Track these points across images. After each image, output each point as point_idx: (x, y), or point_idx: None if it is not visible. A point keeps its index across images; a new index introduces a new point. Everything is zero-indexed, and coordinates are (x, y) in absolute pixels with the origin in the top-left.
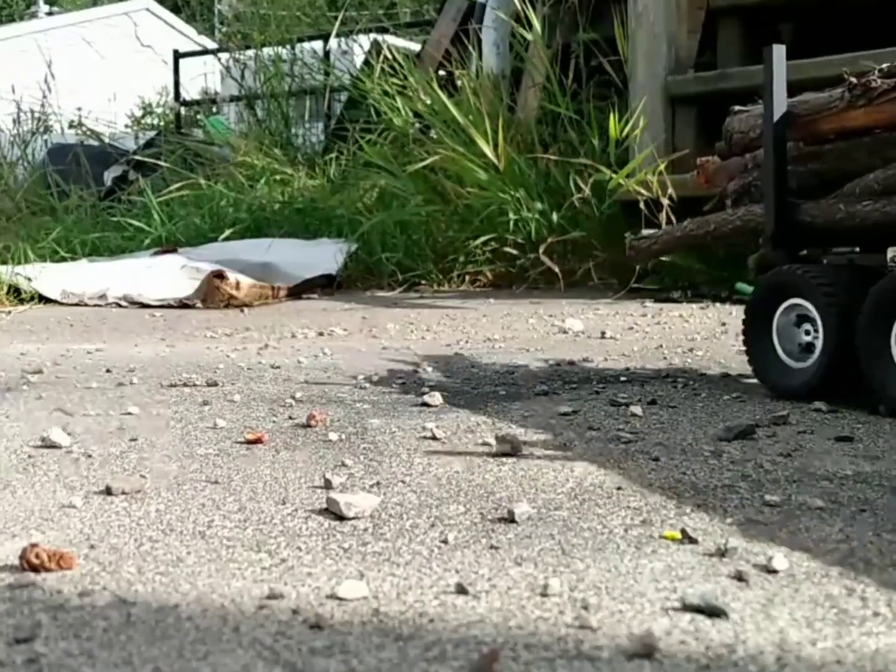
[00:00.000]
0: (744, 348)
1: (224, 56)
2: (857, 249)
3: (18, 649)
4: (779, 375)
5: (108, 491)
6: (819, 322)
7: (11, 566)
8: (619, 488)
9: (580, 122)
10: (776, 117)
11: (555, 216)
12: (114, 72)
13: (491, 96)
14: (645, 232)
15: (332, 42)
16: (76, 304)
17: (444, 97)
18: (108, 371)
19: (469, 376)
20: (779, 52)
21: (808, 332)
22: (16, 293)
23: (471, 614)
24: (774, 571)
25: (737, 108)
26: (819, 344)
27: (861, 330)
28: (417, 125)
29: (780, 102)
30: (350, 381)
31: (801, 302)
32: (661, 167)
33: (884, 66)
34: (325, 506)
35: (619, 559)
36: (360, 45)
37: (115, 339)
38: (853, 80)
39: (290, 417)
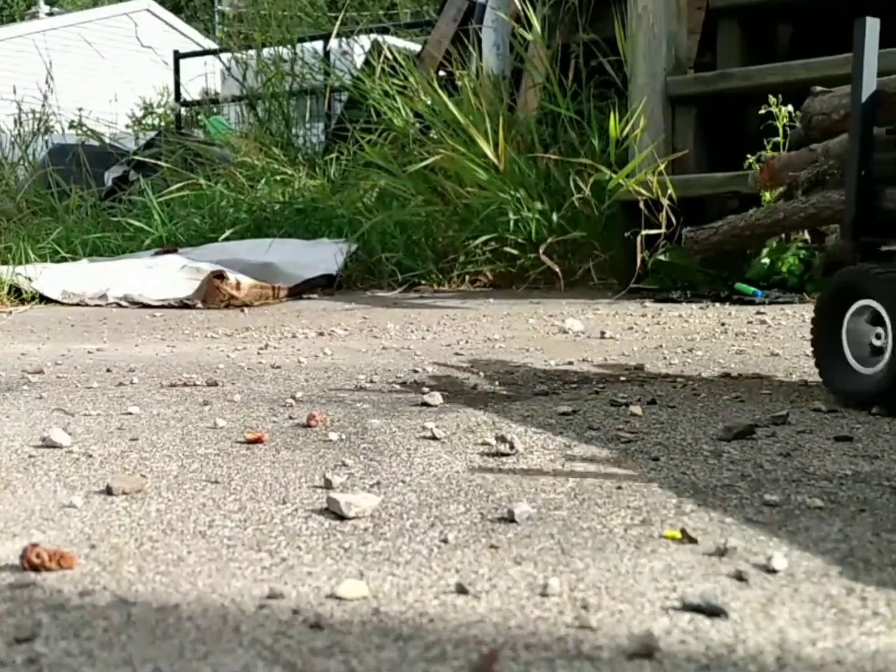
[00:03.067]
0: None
1: (225, 56)
2: None
3: (18, 649)
4: (842, 378)
5: (108, 490)
6: (889, 324)
7: (12, 566)
8: (619, 488)
9: (580, 122)
10: (864, 97)
11: (555, 216)
12: (114, 72)
13: (491, 96)
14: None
15: (333, 42)
16: (77, 305)
17: (444, 97)
18: (108, 371)
19: (469, 376)
20: (872, 25)
21: (878, 336)
22: (16, 293)
23: (471, 614)
24: (774, 571)
25: (818, 88)
26: (888, 348)
27: None
28: (417, 125)
29: (871, 80)
30: (350, 381)
31: (871, 304)
32: (661, 167)
33: None
34: (325, 505)
35: (619, 559)
36: (361, 46)
37: (115, 339)
38: None
39: (291, 417)
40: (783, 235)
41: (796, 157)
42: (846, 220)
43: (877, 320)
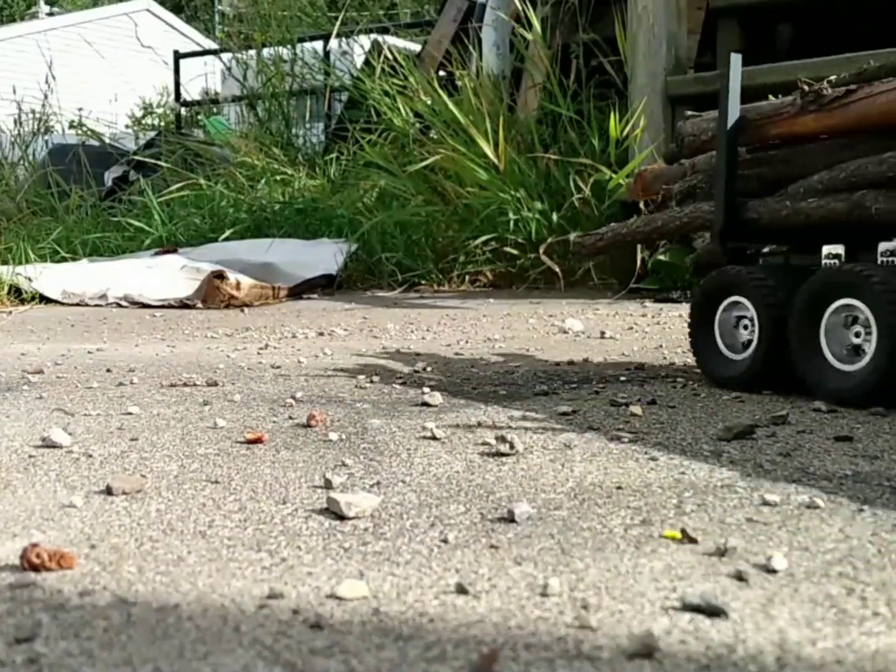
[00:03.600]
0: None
1: (225, 56)
2: (783, 249)
3: (18, 649)
4: (717, 366)
5: (108, 490)
6: (755, 318)
7: (12, 566)
8: (619, 488)
9: (580, 122)
10: (730, 122)
11: (555, 216)
12: (114, 72)
13: (491, 96)
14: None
15: (333, 42)
16: (77, 305)
17: (445, 97)
18: (108, 371)
19: (469, 376)
20: (735, 60)
21: (745, 328)
22: (17, 293)
23: (471, 614)
24: (774, 571)
25: (689, 112)
26: (754, 339)
27: (794, 321)
28: (417, 125)
29: (735, 108)
30: (350, 381)
31: (740, 300)
32: None
33: (832, 77)
34: (325, 505)
35: (619, 559)
36: (361, 46)
37: (115, 339)
38: (805, 87)
39: (291, 417)
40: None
41: (667, 170)
42: (716, 229)
43: (744, 314)
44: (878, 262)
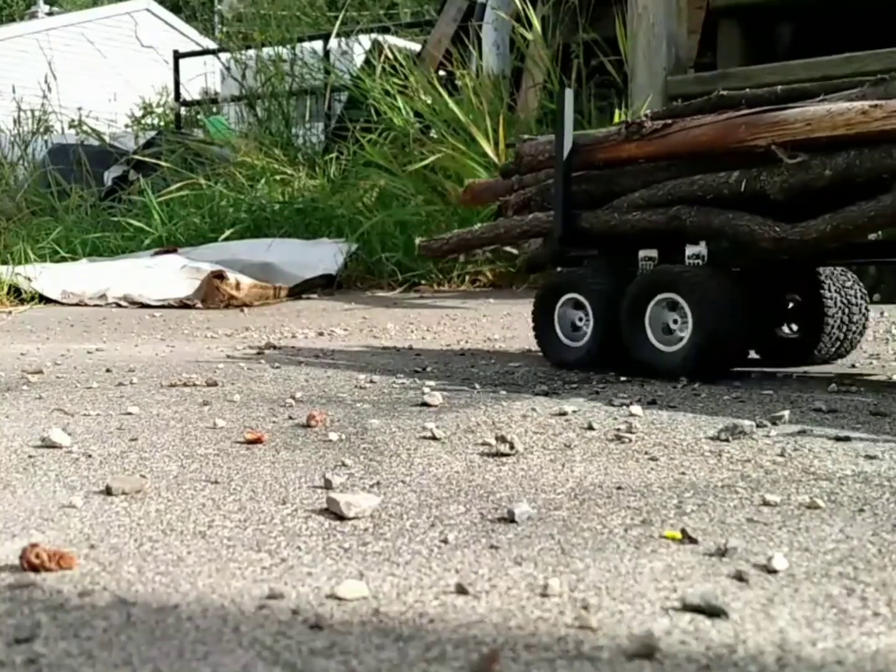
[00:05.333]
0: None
1: (224, 56)
2: (599, 252)
3: (18, 649)
4: (559, 352)
5: (108, 491)
6: (591, 311)
7: (11, 566)
8: (619, 488)
9: (581, 121)
10: (565, 146)
11: None
12: (114, 72)
13: (491, 96)
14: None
15: (333, 42)
16: (76, 304)
17: (446, 95)
18: (108, 371)
19: (469, 376)
20: (569, 94)
21: (581, 319)
22: (16, 293)
23: (471, 614)
24: (774, 571)
25: (526, 136)
26: (589, 328)
27: (624, 310)
28: (418, 125)
29: (569, 135)
30: (350, 381)
31: (577, 296)
32: None
33: (649, 111)
34: (325, 506)
35: (619, 559)
36: (362, 45)
37: (115, 339)
38: (629, 120)
39: (290, 417)
40: None
41: (495, 183)
42: (556, 235)
43: (579, 307)
44: (686, 263)
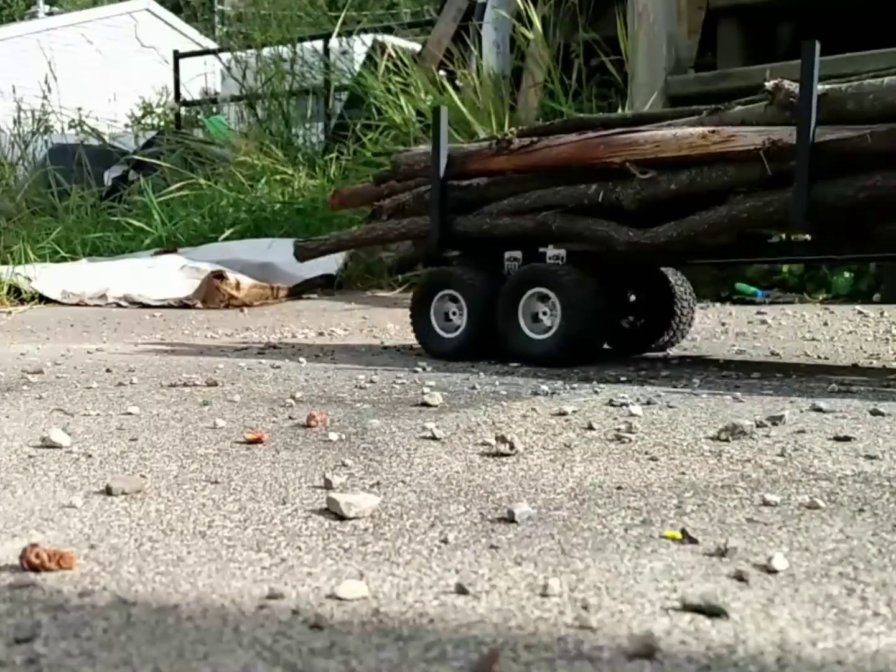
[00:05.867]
0: (412, 325)
1: (224, 56)
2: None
3: (18, 649)
4: (435, 343)
5: (108, 491)
6: (465, 305)
7: (11, 566)
8: (619, 488)
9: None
10: (441, 157)
11: None
12: (114, 72)
13: (492, 95)
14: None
15: (333, 41)
16: (76, 304)
17: (451, 92)
18: (108, 371)
19: (469, 376)
20: (444, 111)
21: (455, 313)
22: (16, 293)
23: (471, 614)
24: (774, 571)
25: (402, 148)
26: (463, 321)
27: (500, 304)
28: (418, 124)
29: (444, 147)
30: (350, 381)
31: (452, 292)
32: None
33: (514, 129)
34: (325, 506)
35: (619, 559)
36: (364, 43)
37: (115, 339)
38: (498, 136)
39: (290, 417)
40: None
41: (363, 189)
42: (434, 238)
43: (453, 302)
44: (546, 262)
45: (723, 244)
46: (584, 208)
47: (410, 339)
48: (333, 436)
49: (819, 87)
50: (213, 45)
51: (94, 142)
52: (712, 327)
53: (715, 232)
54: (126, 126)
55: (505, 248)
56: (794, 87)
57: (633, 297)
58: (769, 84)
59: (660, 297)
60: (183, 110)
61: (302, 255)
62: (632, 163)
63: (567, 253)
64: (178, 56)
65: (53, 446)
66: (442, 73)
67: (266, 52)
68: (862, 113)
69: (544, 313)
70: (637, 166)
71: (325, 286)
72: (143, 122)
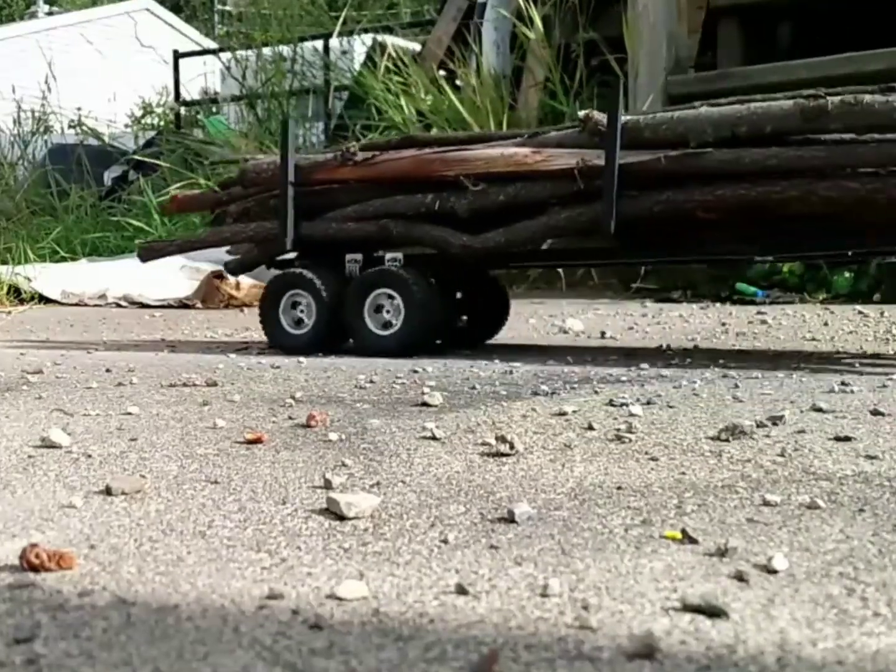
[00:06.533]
0: (262, 323)
1: (224, 56)
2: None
3: (18, 649)
4: (285, 339)
5: (108, 491)
6: (313, 304)
7: (11, 566)
8: (619, 488)
9: None
10: (290, 167)
11: None
12: (114, 72)
13: (492, 94)
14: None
15: (333, 41)
16: (76, 304)
17: (450, 92)
18: (107, 371)
19: (469, 376)
20: (291, 123)
21: (302, 311)
22: (16, 293)
23: (471, 615)
24: (774, 571)
25: (248, 156)
26: (311, 318)
27: (348, 303)
28: (418, 124)
29: (292, 157)
30: (350, 381)
31: (300, 292)
32: None
33: (355, 143)
34: (325, 506)
35: (619, 559)
36: (364, 43)
37: (114, 339)
38: (342, 149)
39: (290, 417)
40: None
41: (200, 195)
42: (282, 241)
43: (301, 301)
44: (385, 265)
45: (539, 250)
46: (421, 216)
47: None
48: (333, 436)
49: (622, 118)
50: (213, 45)
51: (93, 142)
52: (712, 327)
53: (537, 238)
54: (126, 126)
55: (347, 251)
56: (602, 117)
57: (459, 295)
58: (581, 114)
59: (484, 297)
60: (183, 110)
61: (146, 256)
62: (465, 176)
63: (404, 256)
64: (177, 56)
65: (53, 446)
66: (442, 72)
67: (266, 51)
68: (657, 140)
69: (388, 311)
70: (470, 179)
71: None
72: (142, 122)
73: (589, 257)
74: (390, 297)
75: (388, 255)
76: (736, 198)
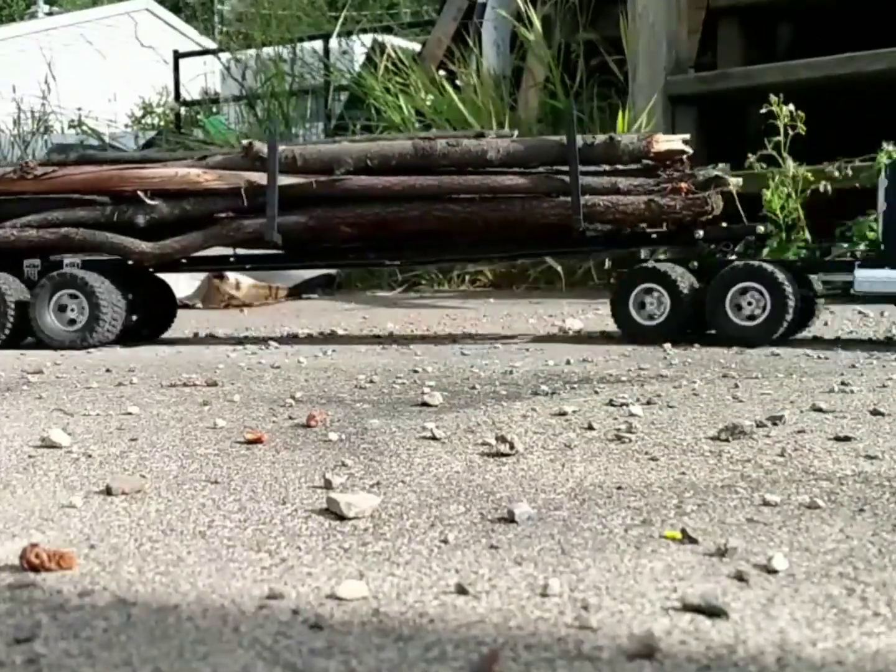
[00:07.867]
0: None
1: (224, 56)
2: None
3: (18, 649)
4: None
5: (108, 491)
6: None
7: (11, 566)
8: (619, 488)
9: (582, 120)
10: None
11: None
12: (114, 72)
13: (492, 94)
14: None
15: (333, 42)
16: None
17: (451, 92)
18: (107, 371)
19: (469, 376)
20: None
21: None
22: None
23: (471, 614)
24: (774, 571)
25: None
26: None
27: (36, 304)
28: (418, 124)
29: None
30: (350, 381)
31: None
32: None
33: (34, 159)
34: (325, 506)
35: (619, 559)
36: (364, 43)
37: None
38: (21, 164)
39: (290, 417)
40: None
41: None
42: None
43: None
44: (63, 268)
45: (209, 257)
46: (101, 225)
47: (411, 338)
48: (333, 436)
49: (280, 148)
50: (213, 45)
51: (93, 142)
52: None
53: (208, 245)
54: (126, 126)
55: (26, 256)
56: (262, 146)
57: (131, 296)
58: (244, 142)
59: (158, 298)
60: (183, 110)
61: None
62: (143, 192)
63: (83, 261)
64: (177, 56)
65: (53, 446)
66: (442, 72)
67: (266, 52)
68: (308, 167)
69: (78, 310)
70: (147, 194)
71: (325, 286)
72: (142, 121)
73: (268, 262)
74: (76, 296)
75: (67, 260)
76: (372, 215)
